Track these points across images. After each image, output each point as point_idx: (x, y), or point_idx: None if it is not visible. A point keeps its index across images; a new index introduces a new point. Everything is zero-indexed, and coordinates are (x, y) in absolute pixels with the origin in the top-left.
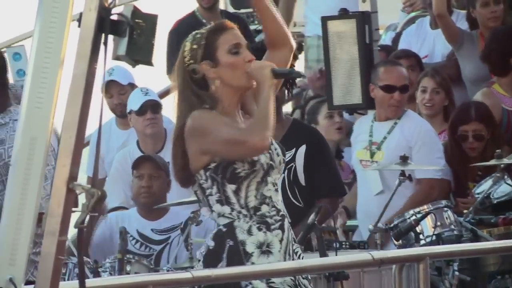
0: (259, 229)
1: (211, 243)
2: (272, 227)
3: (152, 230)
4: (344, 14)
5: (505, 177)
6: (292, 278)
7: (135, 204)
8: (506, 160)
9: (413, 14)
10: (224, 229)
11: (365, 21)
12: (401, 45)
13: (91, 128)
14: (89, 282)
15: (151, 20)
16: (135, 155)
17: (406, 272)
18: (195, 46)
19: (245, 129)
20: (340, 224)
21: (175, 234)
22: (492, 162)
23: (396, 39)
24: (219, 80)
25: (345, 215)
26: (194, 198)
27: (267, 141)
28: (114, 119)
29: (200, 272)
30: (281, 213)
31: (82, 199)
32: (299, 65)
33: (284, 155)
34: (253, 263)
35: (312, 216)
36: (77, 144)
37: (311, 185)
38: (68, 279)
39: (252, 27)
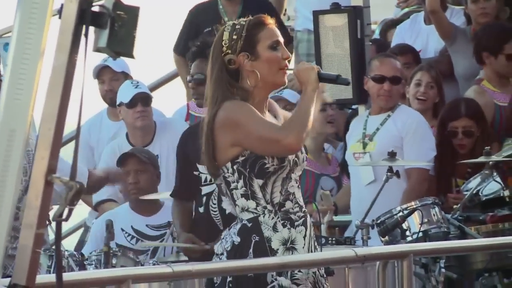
0: (284, 225)
1: (237, 239)
2: (296, 223)
3: (147, 226)
4: (336, 8)
5: (494, 174)
6: (313, 274)
7: (129, 201)
8: (494, 157)
9: (407, 9)
10: (249, 224)
11: (357, 15)
12: (395, 40)
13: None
14: (68, 275)
15: (133, 12)
16: (124, 148)
17: (391, 268)
18: (235, 37)
19: (282, 128)
20: (327, 221)
21: (171, 230)
22: (481, 159)
23: (384, 30)
24: (255, 73)
25: (331, 215)
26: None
27: (302, 143)
28: (106, 110)
29: (181, 266)
30: (303, 209)
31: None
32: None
33: (306, 152)
34: None
35: None
36: (56, 136)
37: None
38: (54, 272)
39: None
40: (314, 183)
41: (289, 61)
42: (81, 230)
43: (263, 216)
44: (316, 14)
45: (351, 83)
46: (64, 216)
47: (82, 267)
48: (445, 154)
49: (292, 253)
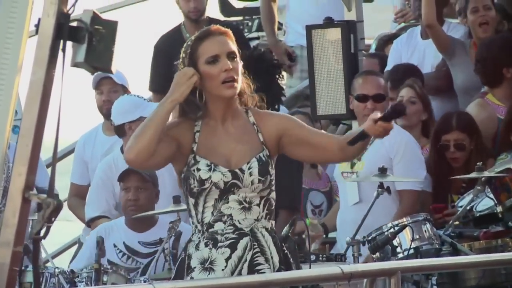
0: (206, 245)
1: (183, 254)
2: (219, 244)
3: (139, 242)
4: (329, 23)
5: (487, 190)
6: None
7: (125, 216)
8: (486, 173)
9: (404, 24)
10: (187, 241)
11: (350, 30)
12: (391, 55)
13: (76, 135)
14: None
15: (111, 27)
16: (119, 161)
17: (383, 285)
18: (183, 55)
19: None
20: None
21: (162, 246)
22: (473, 175)
23: (381, 45)
24: (203, 88)
25: (321, 238)
26: (175, 207)
27: (140, 156)
28: (102, 125)
29: (163, 284)
30: (239, 232)
31: None
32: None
33: (262, 175)
34: (192, 278)
35: (285, 229)
36: (34, 152)
37: None
38: None
39: None
40: (303, 198)
41: (235, 71)
42: (75, 247)
43: (193, 235)
44: (309, 29)
45: (344, 98)
46: (42, 233)
47: (72, 284)
48: (440, 169)
49: (209, 274)
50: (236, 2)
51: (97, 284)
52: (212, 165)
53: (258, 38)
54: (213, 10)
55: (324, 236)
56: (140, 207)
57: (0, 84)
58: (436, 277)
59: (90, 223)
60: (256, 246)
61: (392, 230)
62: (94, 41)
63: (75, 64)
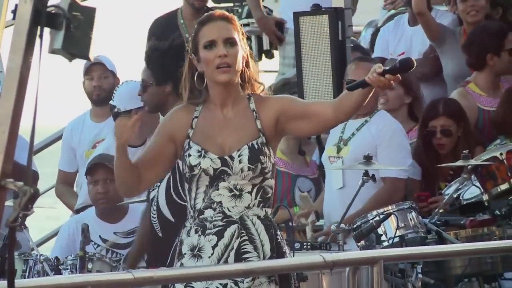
0: (196, 231)
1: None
2: (208, 231)
3: (115, 233)
4: (316, 9)
5: (473, 178)
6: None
7: (95, 208)
8: (472, 161)
9: (393, 11)
10: (182, 226)
11: (338, 17)
12: (378, 42)
13: (64, 122)
14: (24, 282)
15: (89, 13)
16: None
17: (366, 274)
18: (190, 38)
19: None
20: (311, 223)
21: None
22: (459, 163)
23: (375, 35)
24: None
25: (313, 216)
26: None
27: (124, 194)
28: (89, 111)
29: (142, 272)
30: (228, 219)
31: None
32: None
33: (252, 163)
34: (182, 264)
35: None
36: (10, 140)
37: None
38: (28, 276)
39: None
40: (291, 184)
41: (231, 57)
42: None
43: (187, 220)
44: (297, 16)
45: (332, 85)
46: (18, 221)
47: (57, 272)
48: (427, 156)
49: (198, 261)
50: None
51: (81, 271)
52: (203, 151)
53: (248, 24)
54: None
55: (317, 221)
56: (110, 199)
57: None
58: (421, 266)
59: (78, 213)
60: (244, 234)
61: (377, 218)
62: (72, 28)
63: (52, 51)
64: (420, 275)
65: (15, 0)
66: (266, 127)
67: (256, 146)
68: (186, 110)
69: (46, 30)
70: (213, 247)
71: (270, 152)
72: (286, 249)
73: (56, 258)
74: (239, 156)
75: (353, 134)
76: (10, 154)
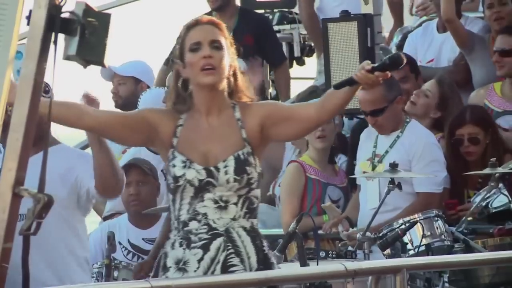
0: (180, 244)
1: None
2: (193, 245)
3: (143, 239)
4: (345, 16)
5: (500, 186)
6: None
7: (127, 212)
8: (500, 169)
9: (425, 17)
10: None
11: (367, 23)
12: (406, 49)
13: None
14: None
15: (104, 19)
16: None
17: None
18: (177, 45)
19: None
20: (343, 232)
21: None
22: (486, 170)
23: (402, 41)
24: (189, 79)
25: (347, 223)
26: None
27: None
28: None
29: (159, 281)
30: (213, 232)
31: None
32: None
33: (238, 174)
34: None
35: (293, 224)
36: (24, 147)
37: None
38: None
39: None
40: (321, 192)
41: (216, 60)
42: None
43: (171, 232)
44: (325, 22)
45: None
46: (32, 230)
47: None
48: (455, 164)
49: (183, 274)
50: None
51: (107, 279)
52: (188, 162)
53: (279, 31)
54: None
55: (351, 229)
56: (142, 201)
57: None
58: (448, 275)
59: (106, 220)
60: (230, 247)
61: (403, 226)
62: (86, 34)
63: (67, 57)
64: (446, 284)
65: (29, 6)
66: (252, 136)
67: (242, 156)
68: (171, 116)
69: (61, 36)
70: (199, 261)
71: (255, 162)
72: (274, 260)
73: None
74: (224, 167)
75: (386, 152)
76: (23, 162)
